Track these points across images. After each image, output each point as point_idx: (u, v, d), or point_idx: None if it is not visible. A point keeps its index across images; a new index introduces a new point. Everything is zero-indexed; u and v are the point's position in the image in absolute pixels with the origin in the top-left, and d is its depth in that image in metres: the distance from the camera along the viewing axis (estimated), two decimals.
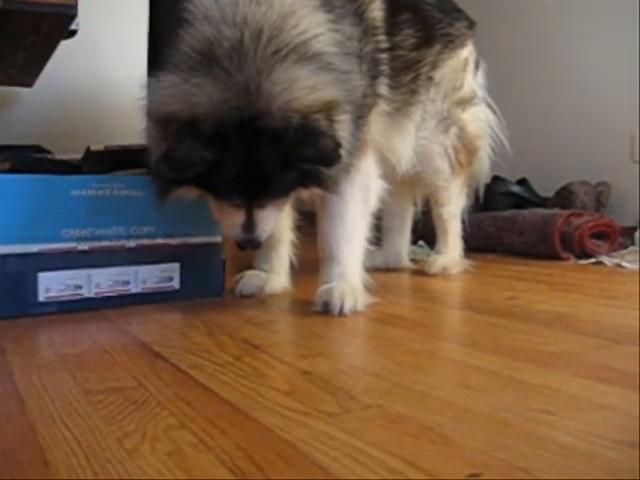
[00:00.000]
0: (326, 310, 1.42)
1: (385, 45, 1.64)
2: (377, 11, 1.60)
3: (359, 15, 1.52)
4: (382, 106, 1.66)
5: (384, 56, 1.64)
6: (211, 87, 1.20)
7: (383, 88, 1.65)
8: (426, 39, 1.87)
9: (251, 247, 1.37)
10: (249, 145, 1.21)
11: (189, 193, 1.33)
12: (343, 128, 1.31)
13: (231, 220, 1.33)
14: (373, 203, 1.61)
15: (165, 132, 1.25)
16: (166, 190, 1.32)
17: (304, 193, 1.40)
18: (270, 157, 1.22)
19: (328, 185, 1.35)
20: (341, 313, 1.41)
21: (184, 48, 1.28)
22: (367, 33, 1.54)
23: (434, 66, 1.94)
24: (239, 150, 1.21)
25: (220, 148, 1.20)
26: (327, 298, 1.43)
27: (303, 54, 1.26)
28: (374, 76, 1.58)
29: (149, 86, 1.31)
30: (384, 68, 1.64)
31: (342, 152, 1.28)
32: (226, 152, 1.21)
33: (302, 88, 1.22)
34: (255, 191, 1.28)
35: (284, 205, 1.42)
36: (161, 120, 1.27)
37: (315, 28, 1.31)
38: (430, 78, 1.93)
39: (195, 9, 1.31)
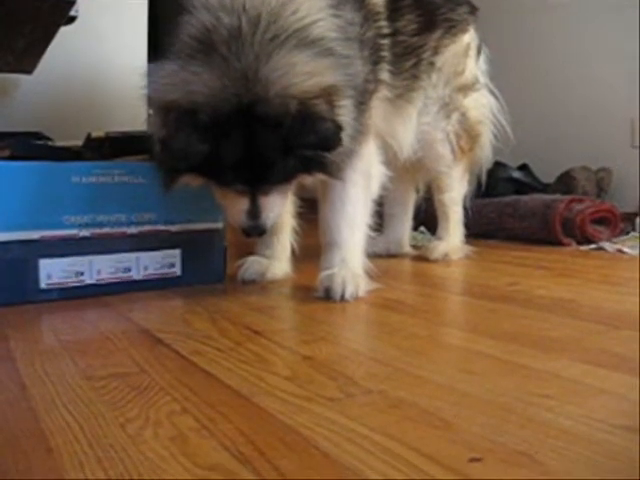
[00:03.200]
0: (328, 296, 1.42)
1: (386, 31, 1.63)
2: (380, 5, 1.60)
3: (360, 1, 1.51)
4: (384, 92, 1.66)
5: (385, 42, 1.63)
6: (209, 75, 1.20)
7: (385, 74, 1.65)
8: (427, 24, 1.86)
9: (256, 234, 1.37)
10: (248, 133, 1.20)
11: (194, 181, 1.32)
12: (345, 113, 1.30)
13: (236, 207, 1.32)
14: (375, 189, 1.62)
15: (165, 119, 1.25)
16: (171, 178, 1.32)
17: (307, 179, 1.38)
18: (270, 144, 1.22)
19: (331, 171, 1.33)
20: (342, 299, 1.41)
21: (183, 36, 1.27)
22: (368, 19, 1.53)
23: (435, 51, 1.93)
24: (238, 138, 1.20)
25: (218, 138, 1.20)
26: (329, 284, 1.43)
27: (302, 39, 1.25)
28: (376, 62, 1.58)
29: (150, 74, 1.31)
30: (386, 54, 1.64)
31: (344, 136, 1.28)
32: (225, 141, 1.20)
33: (300, 73, 1.22)
34: (257, 178, 1.28)
35: (288, 192, 1.41)
36: (161, 108, 1.27)
37: (315, 13, 1.30)
38: (432, 63, 1.92)
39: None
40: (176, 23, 1.31)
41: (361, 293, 1.45)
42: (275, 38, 1.22)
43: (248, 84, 1.19)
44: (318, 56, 1.26)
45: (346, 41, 1.36)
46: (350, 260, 1.50)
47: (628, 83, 2.98)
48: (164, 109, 1.26)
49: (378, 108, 1.64)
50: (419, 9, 1.81)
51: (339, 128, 1.25)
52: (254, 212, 1.31)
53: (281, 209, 1.39)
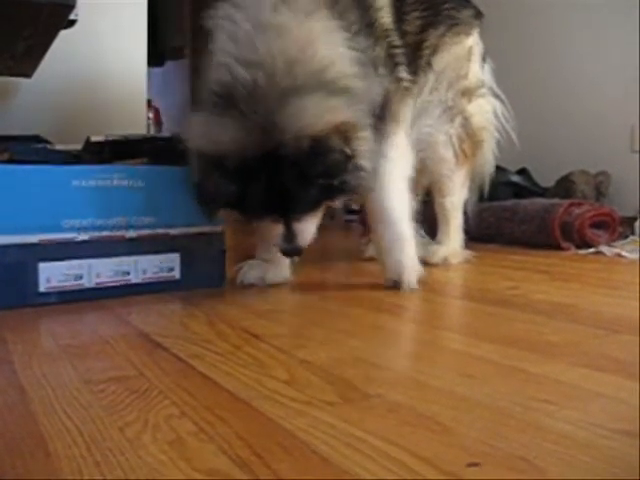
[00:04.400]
0: (397, 285, 1.59)
1: (398, 43, 1.69)
2: (387, 17, 1.64)
3: (371, 25, 1.56)
4: (407, 87, 1.75)
5: (398, 51, 1.69)
6: (231, 128, 1.29)
7: (403, 73, 1.71)
8: (431, 19, 1.90)
9: (294, 254, 1.50)
10: (271, 173, 1.30)
11: (231, 215, 1.46)
12: (363, 144, 1.36)
13: (272, 233, 1.42)
14: (409, 170, 1.70)
15: (198, 166, 1.36)
16: (210, 213, 1.47)
17: (335, 202, 1.49)
18: (291, 180, 1.31)
19: (357, 192, 1.44)
20: (411, 288, 1.58)
21: (209, 85, 1.37)
22: (379, 38, 1.59)
23: (436, 49, 1.93)
24: (262, 178, 1.30)
25: (244, 179, 1.31)
26: (399, 274, 1.60)
27: (318, 81, 1.32)
28: (391, 70, 1.65)
29: (187, 122, 1.42)
30: (400, 59, 1.70)
31: (365, 162, 1.37)
32: (250, 182, 1.31)
33: (312, 115, 1.29)
34: (285, 210, 1.37)
35: (319, 215, 1.47)
36: (195, 154, 1.37)
37: (333, 53, 1.37)
38: (429, 63, 1.93)
39: (217, 34, 1.40)
40: (202, 68, 1.44)
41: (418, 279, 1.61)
42: (290, 86, 1.30)
43: (266, 133, 1.27)
44: (332, 95, 1.33)
45: (362, 69, 1.43)
46: (410, 250, 1.64)
47: (627, 88, 2.98)
48: (196, 155, 1.36)
49: (404, 103, 1.74)
50: (424, 3, 1.83)
51: (348, 157, 1.33)
52: (290, 236, 1.41)
53: (314, 230, 1.46)
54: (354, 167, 1.35)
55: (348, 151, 1.32)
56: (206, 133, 1.33)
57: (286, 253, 1.47)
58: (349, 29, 1.44)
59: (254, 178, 1.30)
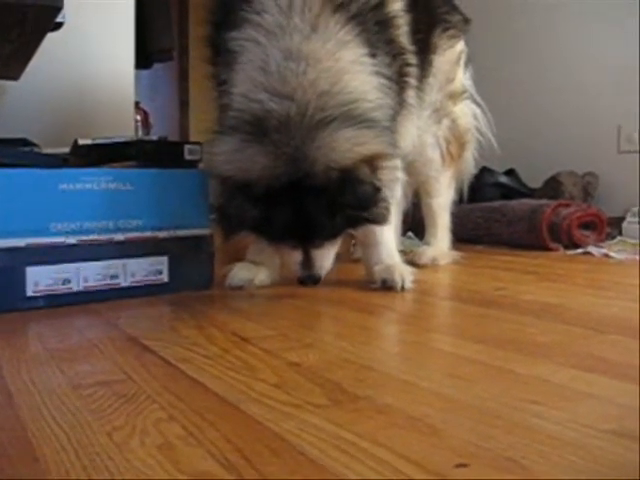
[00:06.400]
0: (386, 287, 1.61)
1: (412, 61, 1.70)
2: (403, 36, 1.64)
3: (389, 43, 1.57)
4: (411, 111, 1.77)
5: (411, 70, 1.70)
6: (261, 158, 1.30)
7: (411, 95, 1.74)
8: (430, 21, 1.93)
9: (311, 283, 1.46)
10: (296, 201, 1.32)
11: (249, 238, 1.49)
12: (389, 173, 1.39)
13: (291, 259, 1.44)
14: (400, 192, 1.69)
15: (222, 189, 1.37)
16: (229, 234, 1.45)
17: (354, 230, 1.53)
18: (316, 209, 1.34)
19: (378, 221, 1.45)
20: (403, 289, 1.59)
21: (236, 112, 1.39)
22: (395, 56, 1.60)
23: (434, 49, 1.95)
24: (287, 206, 1.32)
25: (268, 206, 1.32)
26: (387, 276, 1.62)
27: (348, 115, 1.34)
28: (402, 88, 1.66)
29: (212, 146, 1.43)
30: (411, 81, 1.72)
31: (387, 192, 1.39)
32: (274, 209, 1.33)
33: (342, 149, 1.31)
34: (307, 237, 1.39)
35: (338, 243, 1.49)
36: (219, 179, 1.38)
37: (362, 85, 1.40)
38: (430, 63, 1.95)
39: (243, 59, 1.40)
40: (223, 82, 1.46)
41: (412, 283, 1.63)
42: (322, 120, 1.31)
43: (295, 163, 1.29)
44: (362, 127, 1.36)
45: (389, 98, 1.48)
46: (396, 255, 1.70)
47: (614, 88, 3.00)
48: (222, 182, 1.37)
49: (406, 126, 1.78)
50: (421, 9, 1.84)
51: (377, 190, 1.36)
52: (308, 264, 1.43)
53: (332, 259, 1.48)
54: (381, 198, 1.38)
55: (377, 182, 1.35)
56: (234, 159, 1.34)
57: (303, 281, 1.46)
58: (374, 53, 1.45)
59: (278, 205, 1.32)
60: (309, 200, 1.32)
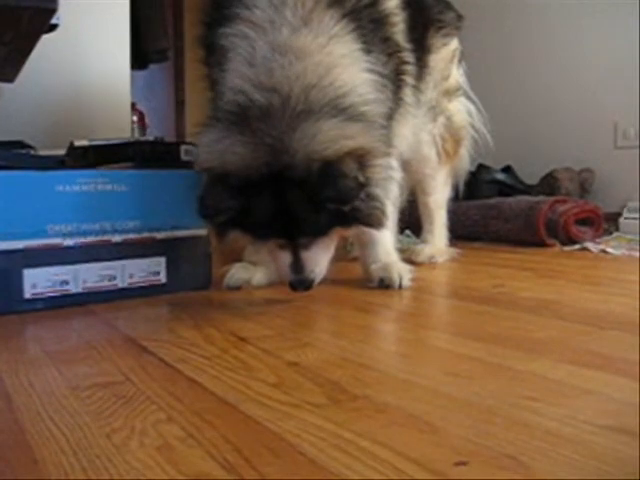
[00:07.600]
0: (384, 285, 1.61)
1: (408, 59, 1.69)
2: (400, 34, 1.63)
3: (385, 41, 1.55)
4: (408, 110, 1.75)
5: (408, 68, 1.69)
6: (241, 148, 1.27)
7: (408, 94, 1.72)
8: (424, 22, 1.92)
9: (302, 288, 1.38)
10: (277, 192, 1.27)
11: (241, 239, 1.41)
12: (379, 171, 1.35)
13: (281, 261, 1.38)
14: (397, 191, 1.69)
15: (204, 180, 1.35)
16: (220, 234, 1.39)
17: (347, 231, 1.45)
18: (297, 201, 1.28)
19: (370, 223, 1.38)
20: (400, 287, 1.61)
21: (221, 104, 1.37)
22: (391, 54, 1.58)
23: (429, 50, 1.96)
24: (267, 197, 1.28)
25: (247, 197, 1.28)
26: (385, 274, 1.63)
27: (335, 107, 1.31)
28: (397, 90, 1.63)
29: (198, 138, 1.40)
30: (408, 79, 1.70)
31: (378, 192, 1.34)
32: (254, 200, 1.28)
33: (325, 140, 1.27)
34: (291, 232, 1.33)
35: (331, 245, 1.44)
36: (202, 170, 1.36)
37: (353, 80, 1.37)
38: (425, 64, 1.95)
39: (232, 54, 1.38)
40: (216, 83, 1.45)
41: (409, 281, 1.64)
42: (305, 111, 1.28)
43: (275, 153, 1.25)
44: (350, 121, 1.32)
45: (381, 94, 1.45)
46: (393, 253, 1.71)
47: (611, 84, 3.00)
48: (204, 172, 1.35)
49: (402, 123, 1.74)
50: (416, 8, 1.84)
51: (361, 185, 1.29)
52: (298, 266, 1.36)
53: (325, 264, 1.42)
54: (367, 195, 1.32)
55: (362, 178, 1.29)
56: (214, 149, 1.31)
57: (294, 286, 1.38)
58: (369, 50, 1.43)
59: (257, 196, 1.28)
60: (289, 193, 1.27)
